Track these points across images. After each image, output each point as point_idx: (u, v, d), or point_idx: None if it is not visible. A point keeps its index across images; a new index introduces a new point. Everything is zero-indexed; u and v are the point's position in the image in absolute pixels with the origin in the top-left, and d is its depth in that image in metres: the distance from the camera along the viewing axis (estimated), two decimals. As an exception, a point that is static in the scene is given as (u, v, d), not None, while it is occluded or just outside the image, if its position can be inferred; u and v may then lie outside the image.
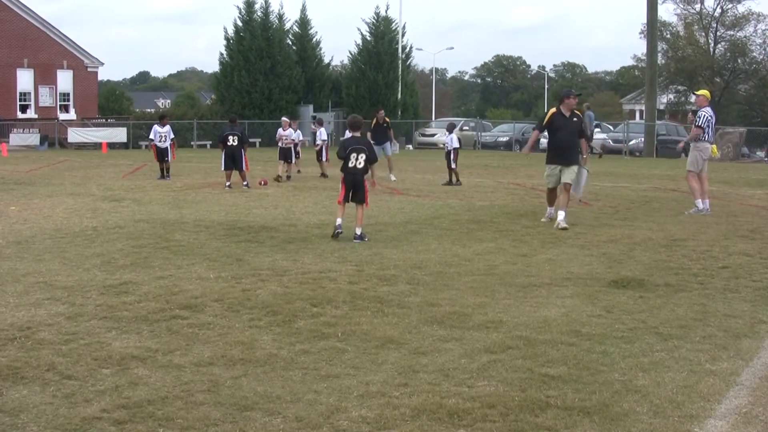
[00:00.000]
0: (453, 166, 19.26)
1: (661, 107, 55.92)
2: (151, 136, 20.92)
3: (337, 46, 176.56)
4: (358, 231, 10.42)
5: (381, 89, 45.19)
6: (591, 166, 12.36)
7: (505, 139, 42.98)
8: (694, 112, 14.28)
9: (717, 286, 7.81)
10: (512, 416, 4.44)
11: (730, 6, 61.45)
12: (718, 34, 62.63)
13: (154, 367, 5.23)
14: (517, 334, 6.03)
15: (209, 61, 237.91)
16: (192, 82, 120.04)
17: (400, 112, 45.61)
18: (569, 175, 11.95)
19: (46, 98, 45.31)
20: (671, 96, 62.55)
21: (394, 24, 47.28)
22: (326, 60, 48.93)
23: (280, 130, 21.36)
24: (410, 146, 41.90)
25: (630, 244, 10.33)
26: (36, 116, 43.49)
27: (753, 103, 64.08)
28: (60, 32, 46.33)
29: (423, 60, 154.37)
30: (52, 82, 45.38)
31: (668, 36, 61.67)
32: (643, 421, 4.41)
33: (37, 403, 4.58)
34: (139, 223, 11.92)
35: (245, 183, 17.78)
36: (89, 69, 47.30)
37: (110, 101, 52.51)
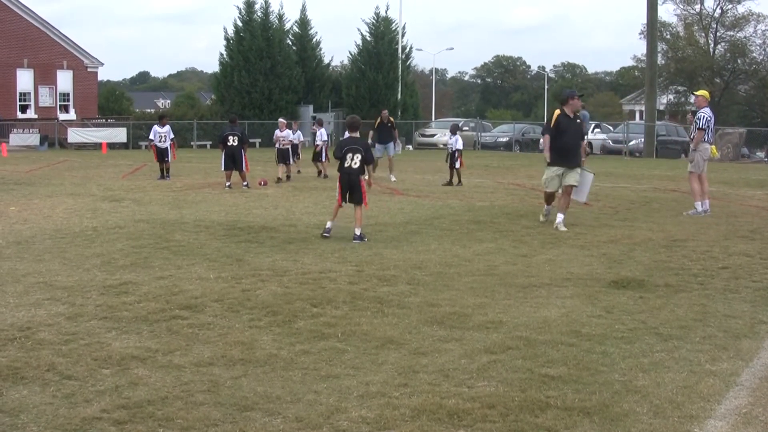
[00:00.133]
0: (457, 166, 19.26)
1: (661, 108, 55.94)
2: (151, 137, 20.93)
3: (337, 46, 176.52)
4: (358, 231, 10.42)
5: (381, 89, 45.20)
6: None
7: (504, 139, 42.96)
8: (694, 113, 14.27)
9: (717, 287, 7.81)
10: (512, 416, 4.44)
11: (729, 6, 61.53)
12: (718, 34, 62.68)
13: (154, 367, 5.23)
14: (517, 335, 6.03)
15: (209, 62, 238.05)
16: (192, 82, 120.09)
17: (400, 113, 45.60)
18: (573, 177, 11.84)
19: (46, 98, 45.33)
20: (671, 96, 62.58)
21: (394, 24, 47.32)
22: (326, 60, 49.02)
23: (277, 131, 21.38)
24: (410, 147, 41.89)
25: (630, 244, 10.33)
26: (36, 116, 43.51)
27: (753, 104, 64.12)
28: (60, 32, 46.35)
29: (423, 60, 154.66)
30: (52, 83, 45.39)
31: (668, 36, 61.71)
32: (643, 421, 4.41)
33: (37, 403, 4.58)
34: (139, 223, 11.92)
35: (245, 183, 17.78)
36: (89, 69, 47.32)
37: (110, 101, 52.55)
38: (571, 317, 6.57)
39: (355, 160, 10.59)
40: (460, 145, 19.53)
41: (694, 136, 14.04)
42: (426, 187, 18.84)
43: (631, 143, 38.00)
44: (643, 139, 37.77)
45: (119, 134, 39.86)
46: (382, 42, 46.33)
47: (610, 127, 45.19)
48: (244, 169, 17.93)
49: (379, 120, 21.56)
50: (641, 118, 53.34)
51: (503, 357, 5.50)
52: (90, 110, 46.26)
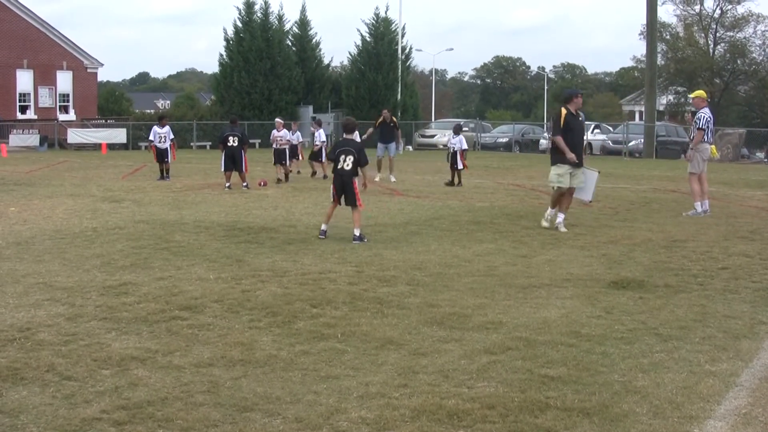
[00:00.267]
0: (460, 167, 19.23)
1: (661, 108, 55.99)
2: (151, 137, 20.93)
3: (337, 47, 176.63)
4: (357, 232, 10.43)
5: (381, 90, 45.21)
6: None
7: (504, 140, 42.98)
8: (694, 113, 14.29)
9: (717, 287, 7.81)
10: (512, 417, 4.44)
11: (729, 7, 61.58)
12: (718, 35, 62.72)
13: (153, 368, 5.23)
14: (516, 335, 6.03)
15: (209, 62, 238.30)
16: (192, 83, 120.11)
17: (399, 113, 45.60)
18: (580, 178, 11.78)
19: (45, 99, 45.35)
20: (671, 97, 62.65)
21: (393, 25, 47.32)
22: (326, 61, 49.01)
23: (274, 131, 21.40)
24: (410, 147, 41.90)
25: (630, 245, 10.33)
26: (35, 117, 43.53)
27: (752, 104, 64.18)
28: (59, 33, 46.36)
29: (423, 61, 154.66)
30: (51, 83, 45.41)
31: (668, 37, 61.73)
32: (642, 422, 4.41)
33: (37, 404, 4.58)
34: (139, 224, 11.92)
35: (245, 184, 17.78)
36: (89, 70, 47.33)
37: (110, 102, 52.54)
38: (571, 318, 6.57)
39: (347, 162, 10.60)
40: (464, 145, 19.50)
41: (694, 137, 14.06)
42: (426, 187, 18.85)
43: (630, 144, 38.02)
44: (642, 140, 37.78)
45: (119, 135, 39.87)
46: (381, 42, 46.34)
47: (610, 128, 45.20)
48: (243, 169, 17.92)
49: (381, 119, 21.51)
50: (641, 118, 53.36)
51: (503, 357, 5.50)
52: (90, 111, 46.28)
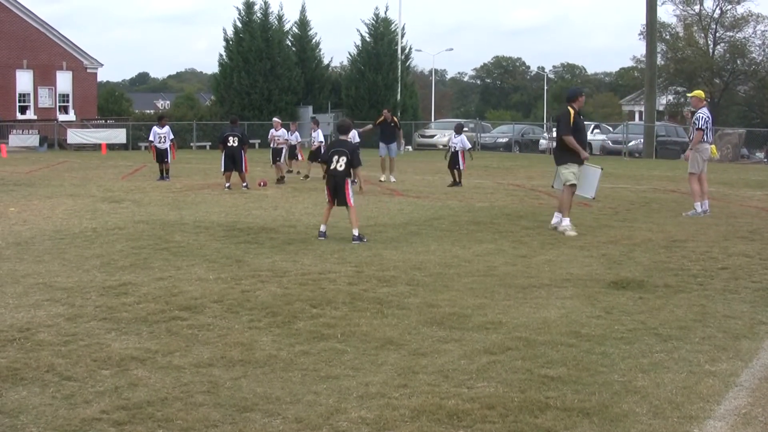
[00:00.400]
0: (463, 167, 19.20)
1: (661, 108, 55.99)
2: (151, 138, 20.93)
3: (337, 47, 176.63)
4: (355, 232, 10.43)
5: (380, 90, 45.20)
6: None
7: (504, 140, 42.98)
8: (693, 113, 14.27)
9: (716, 287, 7.81)
10: (512, 417, 4.44)
11: (729, 7, 61.63)
12: (718, 35, 62.77)
13: (153, 368, 5.23)
14: (516, 335, 6.03)
15: (209, 63, 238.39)
16: (191, 83, 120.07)
17: (399, 113, 45.61)
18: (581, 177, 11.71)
19: (45, 99, 45.36)
20: (671, 97, 62.66)
21: (393, 25, 47.30)
22: (326, 61, 48.98)
23: (272, 130, 21.39)
24: (410, 147, 41.90)
25: (629, 245, 10.33)
26: (35, 117, 43.55)
27: (752, 104, 64.22)
28: (59, 33, 46.37)
29: (422, 61, 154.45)
30: (51, 83, 45.42)
31: (667, 37, 61.77)
32: (642, 422, 4.41)
33: (37, 404, 4.58)
34: (139, 224, 11.92)
35: (245, 184, 17.78)
36: (88, 70, 47.34)
37: (110, 102, 52.50)
38: (571, 318, 6.57)
39: (340, 162, 10.61)
40: (467, 145, 19.44)
41: (693, 137, 14.05)
42: (426, 187, 18.85)
43: (630, 144, 38.03)
44: (642, 140, 37.79)
45: (119, 135, 39.87)
46: (381, 43, 46.33)
47: (610, 128, 45.21)
48: (243, 170, 17.92)
49: (381, 118, 21.48)
50: (641, 118, 53.37)
51: (503, 358, 5.50)
52: (89, 111, 46.29)
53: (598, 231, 11.55)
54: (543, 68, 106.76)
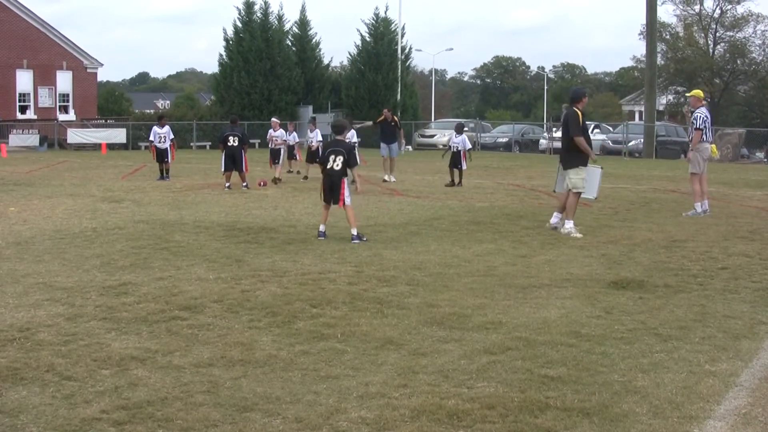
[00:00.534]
0: (464, 167, 19.17)
1: (661, 108, 56.00)
2: (151, 138, 20.93)
3: (337, 47, 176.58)
4: (354, 232, 10.43)
5: (380, 90, 45.20)
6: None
7: (504, 140, 42.98)
8: (692, 112, 14.25)
9: (716, 287, 7.81)
10: (512, 417, 4.44)
11: (729, 7, 61.64)
12: (718, 35, 62.78)
13: (153, 368, 5.23)
14: (516, 335, 6.03)
15: (209, 62, 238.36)
16: (191, 83, 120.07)
17: (399, 113, 45.61)
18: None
19: (45, 99, 45.36)
20: (671, 97, 62.67)
21: (393, 25, 47.29)
22: (326, 61, 48.99)
23: (270, 131, 21.38)
24: (410, 147, 41.90)
25: (629, 245, 10.33)
26: (35, 117, 43.55)
27: (752, 104, 64.24)
28: (59, 33, 46.37)
29: (422, 61, 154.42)
30: (51, 83, 45.42)
31: (668, 37, 61.79)
32: (642, 422, 4.41)
33: (37, 404, 4.58)
34: (139, 224, 11.92)
35: (245, 184, 17.78)
36: (89, 70, 47.34)
37: (110, 102, 52.53)
38: (571, 318, 6.57)
39: (337, 162, 10.61)
40: (468, 145, 19.40)
41: (692, 137, 14.05)
42: (426, 187, 18.84)
43: (630, 144, 38.02)
44: (642, 140, 37.79)
45: (119, 135, 39.88)
46: (381, 43, 46.32)
47: (610, 128, 45.21)
48: (243, 169, 17.92)
49: (382, 117, 21.44)
50: (641, 118, 53.38)
51: (503, 358, 5.50)
52: (89, 111, 46.29)
53: (598, 231, 11.55)
54: (543, 68, 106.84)
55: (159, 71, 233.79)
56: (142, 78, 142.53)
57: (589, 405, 4.62)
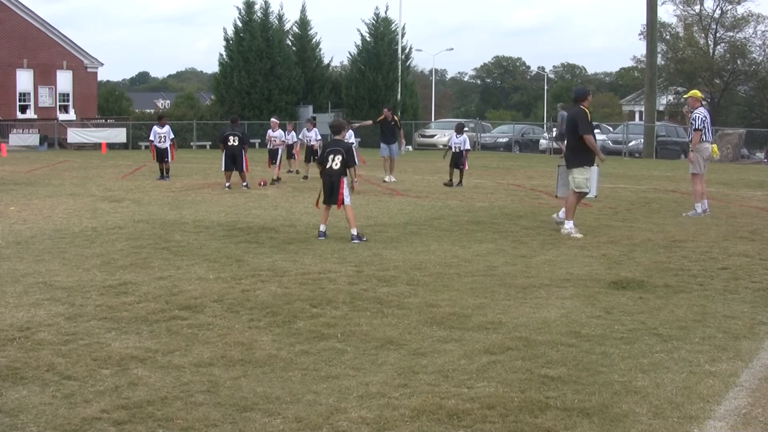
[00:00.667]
0: (467, 167, 19.16)
1: (661, 108, 55.99)
2: (151, 137, 20.93)
3: (337, 47, 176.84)
4: (354, 232, 10.43)
5: (381, 90, 45.20)
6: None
7: (504, 140, 42.99)
8: (691, 112, 14.22)
9: (716, 288, 7.81)
10: (512, 417, 4.44)
11: (729, 7, 61.61)
12: (718, 35, 62.75)
13: (153, 367, 5.23)
14: (516, 335, 6.03)
15: (209, 62, 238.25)
16: (192, 82, 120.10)
17: (399, 113, 45.61)
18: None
19: (45, 99, 45.36)
20: (671, 97, 62.65)
21: (393, 25, 47.29)
22: (326, 61, 48.96)
23: (269, 131, 21.37)
24: (410, 147, 41.90)
25: (629, 245, 10.33)
26: (35, 117, 43.56)
27: (752, 105, 64.24)
28: (60, 33, 46.38)
29: (423, 61, 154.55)
30: (51, 83, 45.42)
31: (668, 37, 61.77)
32: (642, 422, 4.41)
33: (37, 403, 4.58)
34: (139, 223, 11.92)
35: (245, 184, 17.78)
36: (89, 69, 47.35)
37: (110, 102, 52.60)
38: (571, 318, 6.57)
39: (336, 161, 10.62)
40: (468, 145, 19.37)
41: (692, 138, 14.03)
42: (426, 187, 18.84)
43: (630, 144, 38.02)
44: (642, 140, 37.78)
45: (119, 134, 39.89)
46: (381, 42, 46.32)
47: (610, 128, 45.21)
48: (244, 169, 17.93)
49: (382, 117, 21.39)
50: (641, 118, 53.38)
51: (503, 358, 5.50)
52: (90, 110, 46.30)
53: (598, 231, 11.55)
54: (543, 68, 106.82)
55: (159, 71, 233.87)
56: (143, 78, 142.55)
57: (589, 405, 4.62)
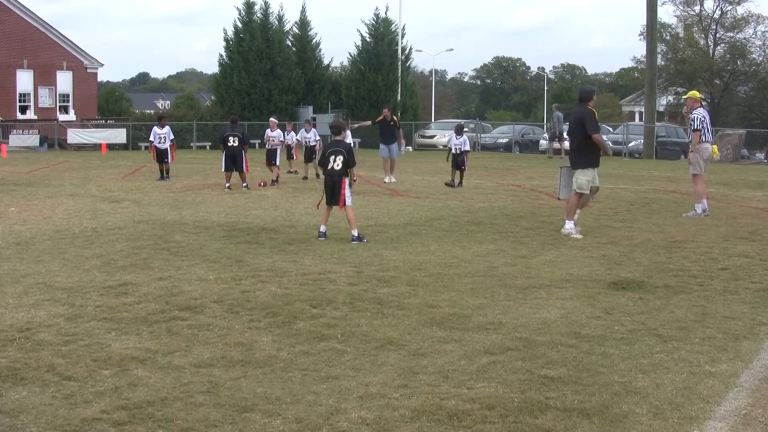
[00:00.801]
0: (467, 169, 19.15)
1: (661, 109, 55.96)
2: (151, 138, 20.93)
3: (337, 47, 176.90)
4: (354, 233, 10.43)
5: (380, 91, 45.18)
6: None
7: (504, 140, 42.96)
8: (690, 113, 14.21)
9: (716, 288, 7.81)
10: (512, 417, 4.44)
11: (729, 8, 61.65)
12: (718, 35, 62.79)
13: (153, 368, 5.23)
14: (516, 336, 6.03)
15: (209, 63, 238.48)
16: (192, 83, 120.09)
17: (399, 114, 45.60)
18: (597, 178, 11.52)
19: (45, 99, 45.37)
20: (671, 98, 62.67)
21: (393, 25, 47.27)
22: (326, 61, 48.95)
23: (268, 131, 21.38)
24: (410, 148, 41.89)
25: (629, 245, 10.33)
26: (35, 117, 43.56)
27: (752, 105, 64.25)
28: (60, 33, 46.38)
29: (423, 61, 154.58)
30: (51, 83, 45.43)
31: (668, 38, 61.80)
32: (642, 422, 4.41)
33: (37, 404, 4.58)
34: (139, 224, 11.92)
35: (245, 184, 17.78)
36: (89, 70, 47.34)
37: (110, 102, 52.52)
38: (571, 318, 6.57)
39: (337, 162, 10.63)
40: (468, 146, 19.34)
41: (691, 138, 14.02)
42: (426, 188, 18.83)
43: (630, 144, 38.01)
44: (642, 140, 37.78)
45: (119, 135, 39.88)
46: (381, 43, 46.31)
47: (610, 128, 45.19)
48: (244, 170, 17.93)
49: (381, 117, 21.35)
50: (641, 119, 53.38)
51: (503, 358, 5.50)
52: (90, 111, 46.29)
53: (598, 231, 11.55)
54: (543, 69, 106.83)
55: (159, 71, 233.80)
56: (143, 78, 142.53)
57: (589, 406, 4.62)
